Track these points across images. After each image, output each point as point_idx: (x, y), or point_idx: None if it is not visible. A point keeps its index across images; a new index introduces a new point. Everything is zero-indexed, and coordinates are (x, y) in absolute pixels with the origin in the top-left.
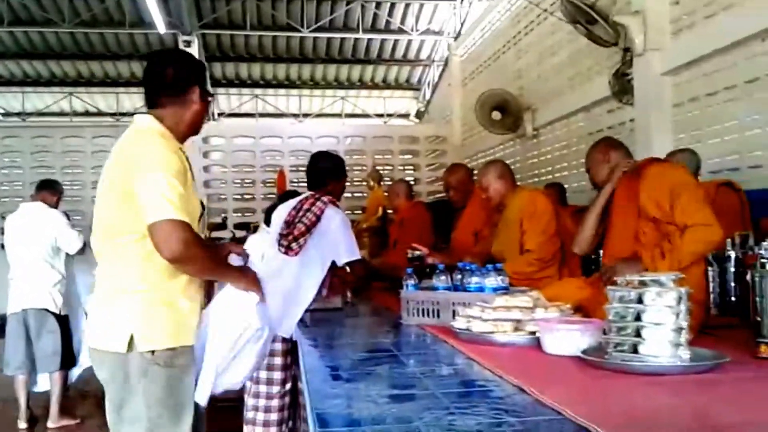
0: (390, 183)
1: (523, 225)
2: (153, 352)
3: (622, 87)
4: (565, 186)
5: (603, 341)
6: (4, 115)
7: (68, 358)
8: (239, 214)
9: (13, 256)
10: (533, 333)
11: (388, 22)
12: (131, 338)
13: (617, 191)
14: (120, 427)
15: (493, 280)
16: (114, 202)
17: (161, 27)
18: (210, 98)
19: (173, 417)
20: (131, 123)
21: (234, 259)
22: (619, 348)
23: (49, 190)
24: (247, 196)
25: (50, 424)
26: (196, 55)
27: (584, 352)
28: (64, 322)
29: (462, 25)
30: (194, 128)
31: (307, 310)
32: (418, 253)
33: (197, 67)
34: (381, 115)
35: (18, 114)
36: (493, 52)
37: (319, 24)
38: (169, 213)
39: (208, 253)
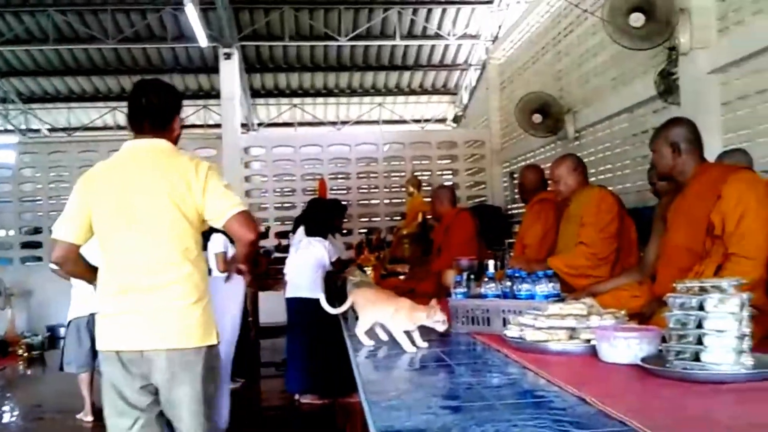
0: (429, 189)
1: (584, 219)
2: (216, 345)
3: (668, 87)
4: (609, 188)
5: (663, 349)
6: (50, 130)
7: None
8: (280, 223)
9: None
10: (588, 341)
11: (425, 28)
12: (216, 334)
13: (683, 199)
14: (206, 409)
15: (544, 288)
16: (184, 216)
17: (203, 41)
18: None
19: None
20: (149, 145)
21: None
22: (681, 356)
23: None
24: (287, 205)
25: None
26: (236, 67)
27: (644, 360)
28: None
29: (499, 28)
30: None
31: None
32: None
33: (180, 98)
34: (418, 121)
35: (64, 129)
36: (532, 55)
37: (356, 32)
38: (241, 205)
39: None
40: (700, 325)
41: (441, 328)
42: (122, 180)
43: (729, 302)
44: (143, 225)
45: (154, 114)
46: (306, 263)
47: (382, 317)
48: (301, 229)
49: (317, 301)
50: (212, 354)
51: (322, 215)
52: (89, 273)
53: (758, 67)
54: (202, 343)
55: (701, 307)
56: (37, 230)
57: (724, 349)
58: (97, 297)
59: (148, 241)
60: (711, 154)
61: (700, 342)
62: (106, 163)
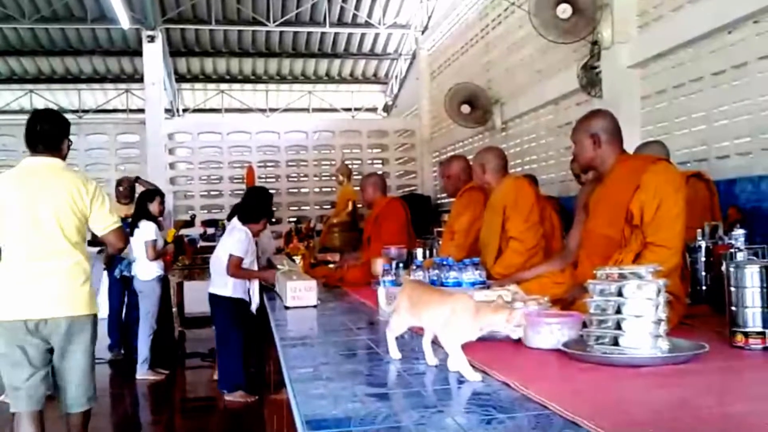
0: (359, 177)
1: (506, 212)
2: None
3: (591, 80)
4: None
5: (584, 334)
6: None
7: None
8: (206, 211)
9: None
10: None
11: (354, 16)
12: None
13: (603, 189)
14: (92, 361)
15: (470, 275)
16: (76, 218)
17: (124, 22)
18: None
19: None
20: (43, 163)
21: None
22: (600, 341)
23: None
24: (214, 193)
25: None
26: (160, 51)
27: (565, 345)
28: None
29: (429, 18)
30: None
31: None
32: None
33: (68, 124)
34: (348, 110)
35: None
36: (461, 46)
37: (285, 18)
38: (118, 222)
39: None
40: (618, 311)
41: (516, 335)
42: (28, 190)
43: (646, 288)
44: (45, 224)
45: (48, 138)
46: (223, 254)
47: (429, 323)
48: (234, 219)
49: (231, 298)
50: (96, 321)
51: (253, 201)
52: None
53: (676, 62)
54: (90, 311)
55: (620, 293)
56: None
57: (641, 333)
58: (5, 280)
59: (50, 237)
60: (631, 146)
61: (619, 327)
62: (10, 176)
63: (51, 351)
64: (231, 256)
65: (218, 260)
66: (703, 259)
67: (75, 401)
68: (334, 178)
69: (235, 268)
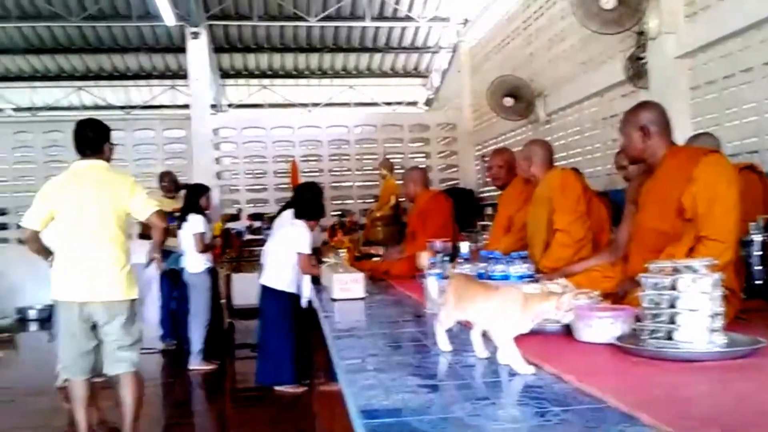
0: (402, 172)
1: (553, 203)
2: (137, 298)
3: (637, 71)
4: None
5: (637, 328)
6: (14, 110)
7: None
8: (252, 205)
9: None
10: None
11: (395, 10)
12: (137, 290)
13: (654, 182)
14: (129, 340)
15: (518, 268)
16: (116, 213)
17: (169, 19)
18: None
19: None
20: (90, 165)
21: None
22: (654, 335)
23: None
24: (258, 187)
25: None
26: (205, 47)
27: (619, 339)
28: None
29: (470, 11)
30: None
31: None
32: None
33: (109, 130)
34: (390, 104)
35: (29, 109)
36: (503, 38)
37: (326, 13)
38: (157, 205)
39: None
40: (673, 305)
41: (567, 319)
42: (76, 189)
43: (701, 282)
44: (91, 220)
45: (91, 143)
46: (280, 248)
47: (476, 316)
48: (286, 213)
49: (285, 292)
50: (134, 304)
51: (309, 197)
52: (44, 252)
53: (725, 52)
54: (126, 296)
55: (674, 287)
56: (2, 212)
57: (696, 327)
58: (59, 266)
59: (93, 230)
60: (680, 137)
61: (673, 321)
62: (61, 178)
63: (94, 328)
64: (300, 254)
65: (272, 253)
66: (757, 253)
67: (112, 365)
68: (376, 171)
69: (308, 265)
